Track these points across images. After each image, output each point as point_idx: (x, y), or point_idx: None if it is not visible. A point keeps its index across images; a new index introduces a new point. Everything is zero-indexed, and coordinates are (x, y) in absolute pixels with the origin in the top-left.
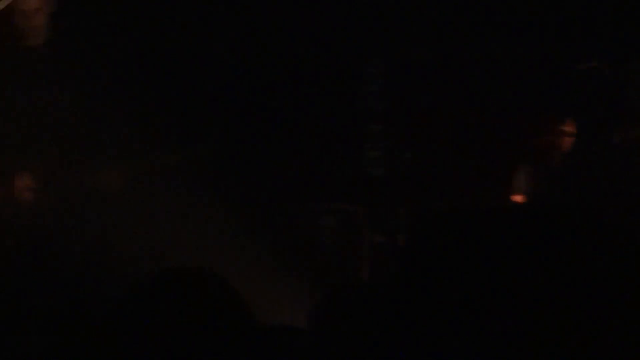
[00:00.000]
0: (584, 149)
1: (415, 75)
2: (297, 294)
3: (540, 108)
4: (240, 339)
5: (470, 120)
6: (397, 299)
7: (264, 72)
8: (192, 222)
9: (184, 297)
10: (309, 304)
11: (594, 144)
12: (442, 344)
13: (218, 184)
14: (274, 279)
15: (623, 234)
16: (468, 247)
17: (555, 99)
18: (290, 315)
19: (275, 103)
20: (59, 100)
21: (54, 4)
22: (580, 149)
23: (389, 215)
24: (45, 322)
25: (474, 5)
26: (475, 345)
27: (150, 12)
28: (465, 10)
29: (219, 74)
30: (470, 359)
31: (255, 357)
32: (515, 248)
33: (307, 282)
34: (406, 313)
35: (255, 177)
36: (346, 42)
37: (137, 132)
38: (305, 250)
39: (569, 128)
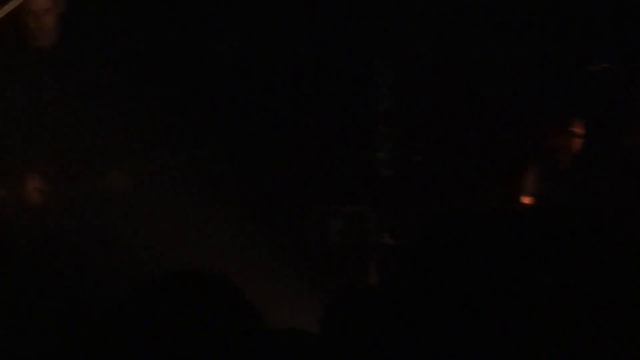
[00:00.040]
0: (593, 150)
1: (425, 77)
2: (305, 295)
3: (550, 109)
4: (248, 342)
5: (480, 121)
6: (401, 300)
7: (273, 73)
8: (200, 224)
9: (190, 299)
10: (317, 305)
11: (603, 145)
12: (449, 345)
13: (226, 185)
14: (282, 280)
15: (624, 235)
16: (470, 248)
17: (565, 100)
18: (299, 317)
19: (285, 104)
20: (66, 101)
21: (63, 4)
22: (589, 150)
23: (398, 216)
24: (51, 323)
25: (484, 6)
26: (483, 347)
27: (158, 14)
28: (475, 11)
29: (228, 74)
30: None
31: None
32: (516, 249)
33: (316, 284)
34: (409, 314)
35: (263, 178)
36: (356, 43)
37: (145, 133)
38: (314, 251)
39: (578, 129)
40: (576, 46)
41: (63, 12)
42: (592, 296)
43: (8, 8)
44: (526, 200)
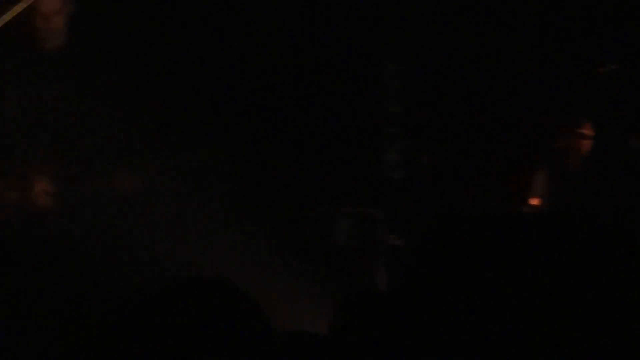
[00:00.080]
0: (601, 151)
1: (434, 78)
2: (314, 297)
3: (559, 111)
4: (255, 344)
5: (489, 123)
6: (409, 302)
7: (282, 74)
8: (208, 225)
9: (196, 303)
10: (325, 307)
11: (612, 147)
12: (456, 347)
13: (235, 187)
14: (290, 282)
15: (631, 239)
16: (477, 250)
17: (574, 102)
18: (307, 319)
19: (294, 105)
20: (74, 102)
21: (73, 6)
22: (598, 152)
23: (407, 218)
24: (57, 324)
25: (493, 7)
26: (491, 349)
27: (166, 15)
28: (485, 12)
29: (238, 75)
30: None
31: None
32: (523, 251)
33: (324, 285)
34: (416, 316)
35: (271, 180)
36: (365, 44)
37: (152, 135)
38: (323, 253)
39: (587, 131)
40: (585, 48)
41: (72, 13)
42: (602, 299)
43: (17, 9)
44: (535, 201)
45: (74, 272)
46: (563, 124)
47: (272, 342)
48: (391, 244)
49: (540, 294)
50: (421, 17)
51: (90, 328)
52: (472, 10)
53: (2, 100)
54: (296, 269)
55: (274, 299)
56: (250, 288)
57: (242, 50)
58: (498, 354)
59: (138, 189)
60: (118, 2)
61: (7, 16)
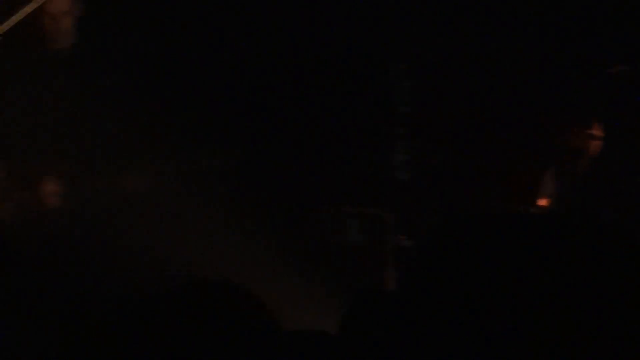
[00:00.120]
0: (611, 153)
1: (443, 79)
2: (322, 297)
3: (568, 112)
4: (264, 346)
5: (498, 124)
6: (414, 303)
7: (289, 74)
8: (214, 226)
9: (204, 307)
10: (333, 308)
11: (621, 148)
12: (464, 347)
13: (241, 187)
14: (298, 282)
15: (627, 238)
16: (478, 251)
17: (584, 103)
18: (316, 319)
19: (302, 106)
20: (83, 103)
21: (81, 7)
22: (607, 153)
23: (416, 219)
24: (61, 325)
25: (502, 9)
26: (496, 349)
27: (177, 17)
28: (493, 12)
29: (247, 76)
30: None
31: None
32: (523, 252)
33: (333, 286)
34: (420, 318)
35: (280, 181)
36: (373, 44)
37: (159, 136)
38: (331, 253)
39: (596, 132)
40: (593, 48)
41: (81, 14)
42: (606, 300)
43: (26, 10)
44: (543, 202)
45: (78, 273)
46: (571, 125)
47: (279, 342)
48: (399, 244)
49: (543, 294)
50: (429, 17)
51: (94, 328)
52: (480, 11)
53: (10, 100)
54: (303, 270)
55: (281, 299)
56: (257, 288)
57: (247, 51)
58: (504, 353)
59: (144, 190)
60: (127, 3)
61: (17, 17)
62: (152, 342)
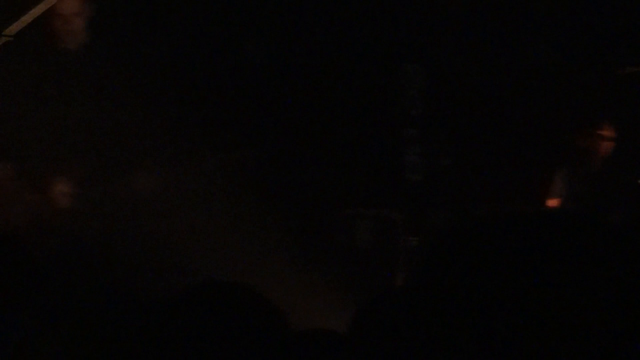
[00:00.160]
0: (622, 153)
1: (454, 81)
2: (334, 298)
3: (580, 112)
4: (276, 346)
5: (508, 125)
6: (421, 303)
7: (303, 77)
8: (228, 227)
9: (218, 308)
10: (346, 308)
11: (632, 149)
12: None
13: (255, 190)
14: (310, 283)
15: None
16: (485, 251)
17: (595, 104)
18: (327, 320)
19: (314, 108)
20: (97, 104)
21: (92, 8)
22: (618, 153)
23: (426, 220)
24: (80, 328)
25: (512, 12)
26: (506, 348)
27: (189, 18)
28: (506, 15)
29: (260, 79)
30: None
31: None
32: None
33: (344, 287)
34: (428, 318)
35: (292, 183)
36: (384, 47)
37: (176, 136)
38: (342, 255)
39: (607, 132)
40: (604, 50)
41: (92, 15)
42: (613, 301)
43: (37, 11)
44: (554, 203)
45: (89, 272)
46: (583, 125)
47: (290, 342)
48: (410, 245)
49: (554, 295)
50: (441, 19)
51: (106, 330)
52: (493, 13)
53: (21, 101)
54: (316, 270)
55: (294, 300)
56: (268, 289)
57: (264, 54)
58: (516, 353)
59: (155, 190)
60: (138, 4)
61: (27, 18)
62: (166, 343)
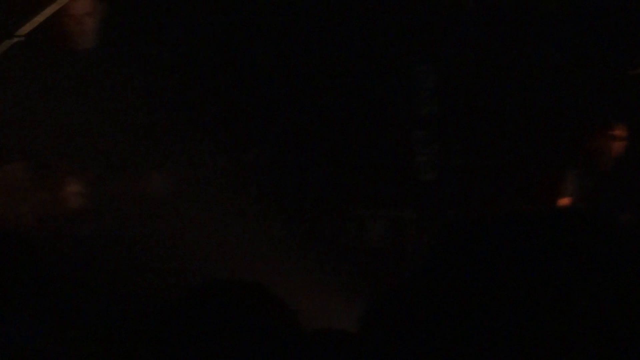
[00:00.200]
0: (634, 153)
1: (466, 80)
2: (346, 298)
3: (592, 113)
4: (287, 345)
5: (520, 125)
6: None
7: (314, 76)
8: (238, 228)
9: (229, 307)
10: (358, 308)
11: None
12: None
13: (266, 190)
14: (322, 283)
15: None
16: (489, 251)
17: (606, 104)
18: (338, 320)
19: (326, 108)
20: (107, 104)
21: (104, 8)
22: (630, 154)
23: (438, 220)
24: (89, 329)
25: (522, 12)
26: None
27: (199, 18)
28: (515, 17)
29: (271, 79)
30: None
31: None
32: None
33: (356, 287)
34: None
35: (303, 183)
36: (396, 48)
37: (187, 137)
38: (354, 255)
39: (619, 132)
40: (616, 51)
41: (104, 15)
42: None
43: (48, 12)
44: (566, 202)
45: (99, 273)
46: (594, 125)
47: (301, 342)
48: (422, 245)
49: (560, 294)
50: (453, 20)
51: (114, 330)
52: (505, 14)
53: (32, 101)
54: (328, 270)
55: (306, 299)
56: (279, 289)
57: (273, 54)
58: (523, 353)
59: (166, 191)
60: (150, 4)
61: (39, 18)
62: (176, 342)
